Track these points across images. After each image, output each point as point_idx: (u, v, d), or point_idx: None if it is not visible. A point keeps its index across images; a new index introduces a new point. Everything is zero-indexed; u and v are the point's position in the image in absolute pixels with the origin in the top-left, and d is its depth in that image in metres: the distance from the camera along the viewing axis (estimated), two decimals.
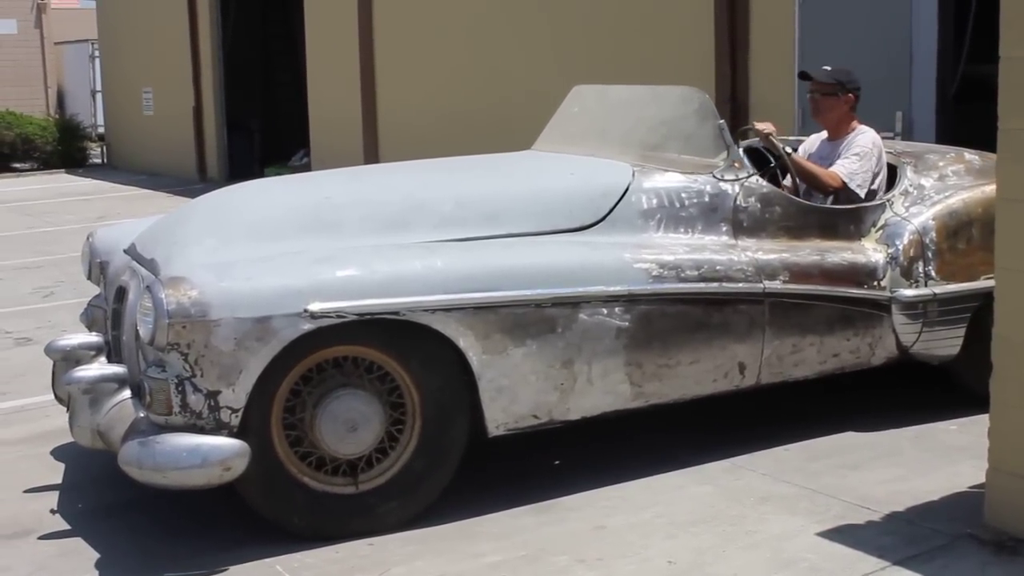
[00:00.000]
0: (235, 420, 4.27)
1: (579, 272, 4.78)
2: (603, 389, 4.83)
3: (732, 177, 5.31)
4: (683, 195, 5.22)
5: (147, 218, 5.76)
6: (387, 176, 6.12)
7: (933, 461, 5.07)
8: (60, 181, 21.22)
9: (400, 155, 13.80)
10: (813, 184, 5.76)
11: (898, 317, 5.40)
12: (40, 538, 4.66)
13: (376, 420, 4.49)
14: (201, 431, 4.23)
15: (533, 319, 4.64)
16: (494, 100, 12.26)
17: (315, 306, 4.30)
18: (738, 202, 5.28)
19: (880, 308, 5.37)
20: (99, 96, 29.18)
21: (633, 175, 5.23)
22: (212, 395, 4.23)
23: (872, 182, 5.78)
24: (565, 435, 5.12)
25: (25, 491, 5.18)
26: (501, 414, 4.66)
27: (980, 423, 5.37)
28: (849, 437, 5.38)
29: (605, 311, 4.77)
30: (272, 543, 4.46)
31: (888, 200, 5.66)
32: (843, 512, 4.52)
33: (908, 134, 8.42)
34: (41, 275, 10.85)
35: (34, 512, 4.92)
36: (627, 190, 5.17)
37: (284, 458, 4.43)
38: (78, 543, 4.59)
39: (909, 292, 5.40)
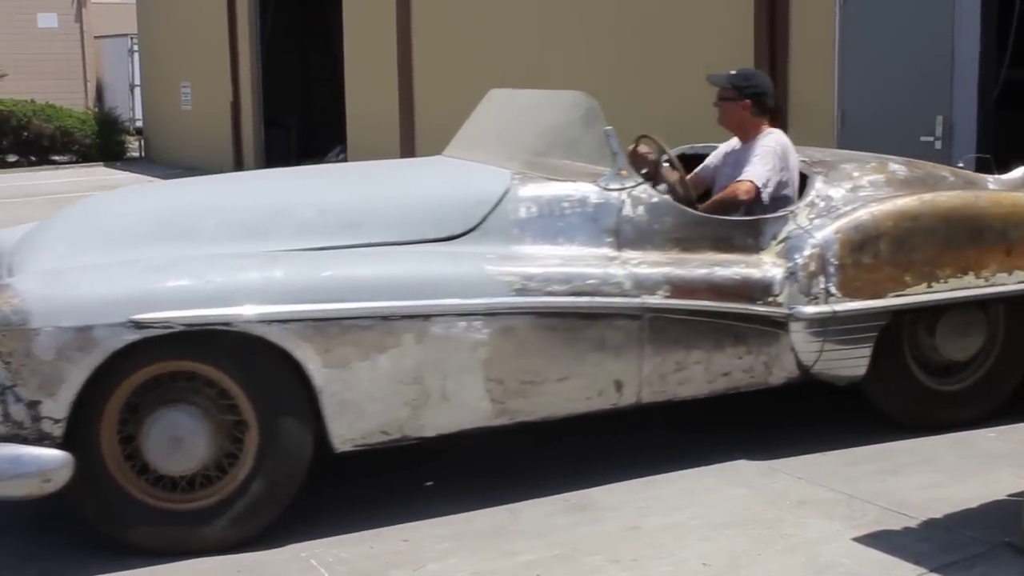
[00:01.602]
0: (58, 431, 4.13)
1: (432, 284, 4.55)
2: (460, 405, 4.62)
3: (617, 186, 5.05)
4: (563, 204, 4.98)
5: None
6: (257, 182, 5.98)
7: (972, 468, 5.03)
8: (98, 174, 21.36)
9: (437, 152, 13.85)
10: (730, 208, 5.43)
11: (796, 335, 5.09)
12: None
13: (203, 437, 4.34)
14: (24, 441, 4.10)
15: (380, 333, 4.43)
16: None
17: (140, 316, 4.17)
18: (623, 212, 5.01)
19: (776, 325, 5.06)
20: (137, 90, 29.40)
21: (511, 183, 5.01)
22: (33, 405, 4.10)
23: (781, 188, 5.51)
24: (596, 434, 5.12)
25: None
26: (347, 430, 4.47)
27: (1020, 431, 5.35)
28: (887, 442, 5.33)
29: (461, 325, 4.53)
30: (307, 536, 4.50)
31: (792, 212, 5.33)
32: (880, 517, 4.49)
33: (948, 139, 8.35)
34: None
35: None
36: (502, 199, 4.94)
37: (116, 472, 4.31)
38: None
39: (808, 309, 5.07)
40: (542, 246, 4.88)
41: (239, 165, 19.66)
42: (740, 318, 5.01)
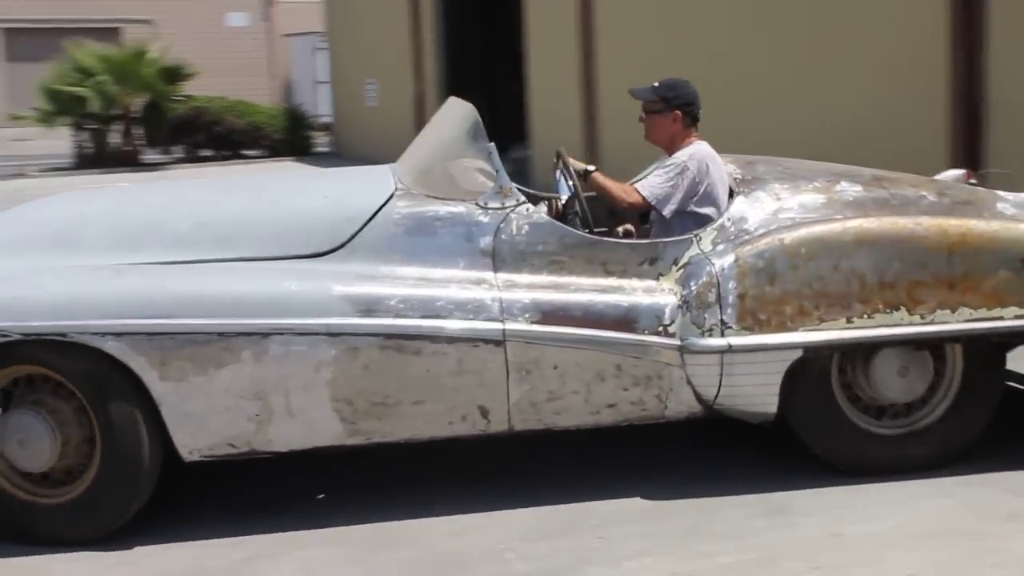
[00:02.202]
0: None
1: (273, 303, 4.51)
2: (308, 423, 4.57)
3: (497, 205, 4.83)
4: (437, 223, 4.81)
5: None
6: (156, 193, 6.07)
7: None
8: (288, 168, 21.94)
9: (620, 150, 13.77)
10: (611, 200, 5.25)
11: (692, 368, 4.70)
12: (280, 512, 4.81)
13: (47, 439, 4.48)
14: None
15: (217, 348, 4.45)
16: (717, 98, 12.10)
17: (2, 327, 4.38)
18: (501, 233, 4.79)
19: (668, 357, 4.70)
20: (321, 87, 30.09)
21: (388, 200, 4.87)
22: None
23: (694, 206, 5.17)
24: (792, 436, 5.03)
25: None
26: (191, 440, 4.53)
27: None
28: None
29: (302, 344, 4.48)
30: (503, 530, 4.55)
31: (696, 235, 4.95)
32: None
33: None
34: None
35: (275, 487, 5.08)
36: (373, 216, 4.82)
37: None
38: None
39: (701, 342, 4.67)
40: (411, 266, 4.73)
41: None
42: (623, 348, 4.68)
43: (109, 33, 31.43)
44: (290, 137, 24.39)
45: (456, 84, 19.94)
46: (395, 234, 4.79)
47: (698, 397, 4.77)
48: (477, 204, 4.84)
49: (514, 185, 4.90)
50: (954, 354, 4.95)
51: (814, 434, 4.92)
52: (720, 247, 4.85)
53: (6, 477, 4.60)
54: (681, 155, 5.26)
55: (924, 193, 5.24)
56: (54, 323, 4.40)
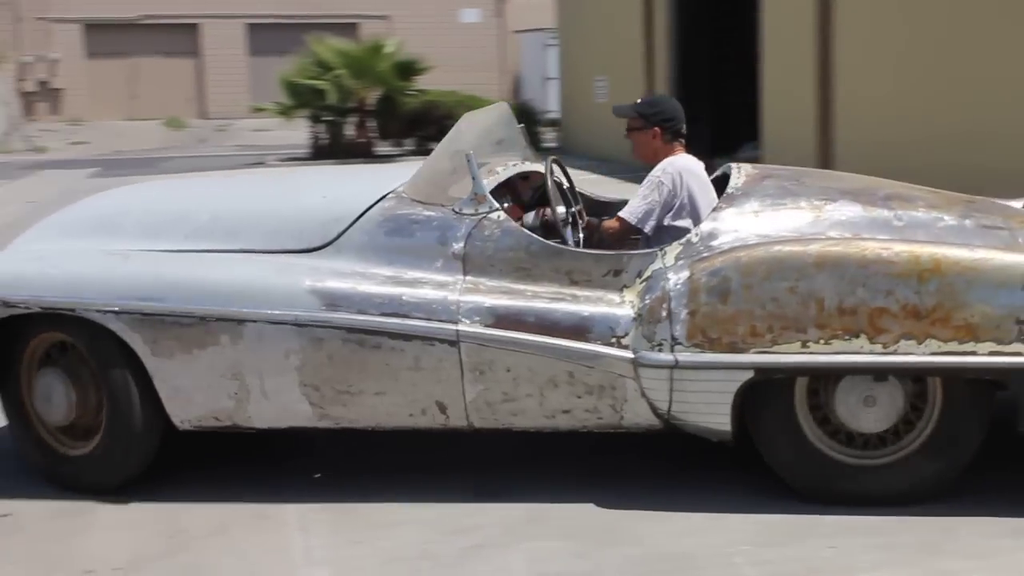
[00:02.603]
0: None
1: (249, 293, 4.86)
2: (281, 405, 4.92)
3: (471, 211, 4.96)
4: (414, 226, 4.99)
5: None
6: (192, 187, 6.86)
7: None
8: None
9: (856, 152, 13.43)
10: (612, 243, 5.36)
11: (645, 382, 4.64)
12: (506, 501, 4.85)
13: (64, 397, 5.07)
14: None
15: (199, 331, 4.87)
16: (969, 106, 11.64)
17: (7, 297, 5.01)
18: (473, 239, 4.92)
19: (621, 368, 4.66)
20: (550, 83, 30.30)
21: (377, 202, 5.09)
22: None
23: (671, 219, 5.26)
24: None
25: None
26: (181, 411, 4.99)
27: None
28: None
29: (272, 332, 4.81)
30: (732, 533, 4.48)
31: (662, 249, 4.88)
32: None
33: None
34: None
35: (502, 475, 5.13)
36: (359, 217, 5.05)
37: (36, 421, 5.21)
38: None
39: (650, 355, 4.61)
40: (387, 265, 4.92)
41: None
42: (574, 356, 4.70)
43: (347, 28, 32.39)
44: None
45: (687, 81, 19.81)
46: (377, 234, 5.01)
47: (653, 410, 4.73)
48: (453, 210, 5.00)
49: (488, 193, 5.02)
50: (935, 388, 4.64)
51: (777, 457, 4.77)
52: (680, 262, 4.77)
53: (45, 429, 5.20)
54: (656, 171, 5.37)
55: (942, 215, 4.92)
56: (65, 299, 4.98)
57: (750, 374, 4.57)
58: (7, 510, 4.98)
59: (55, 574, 4.37)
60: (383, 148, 24.67)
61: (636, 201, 5.34)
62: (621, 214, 5.36)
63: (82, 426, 5.14)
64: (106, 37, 36.90)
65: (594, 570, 4.26)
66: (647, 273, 4.81)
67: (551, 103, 28.90)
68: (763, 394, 4.67)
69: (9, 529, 4.81)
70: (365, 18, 36.24)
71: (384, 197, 5.11)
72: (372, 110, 24.39)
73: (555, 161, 5.70)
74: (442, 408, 4.85)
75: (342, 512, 4.84)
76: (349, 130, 24.55)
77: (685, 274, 4.67)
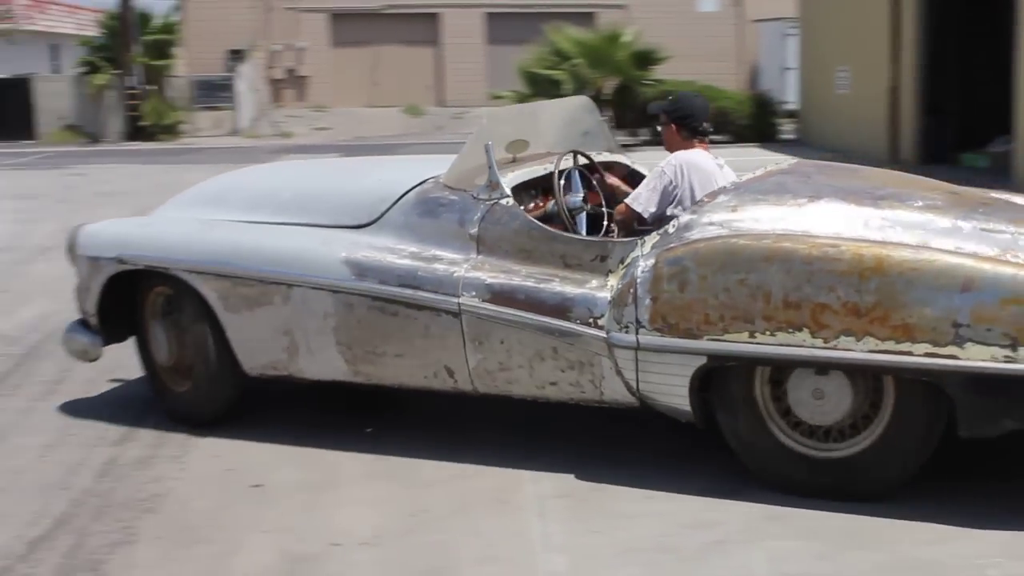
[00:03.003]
0: (94, 321, 6.19)
1: (296, 261, 5.58)
2: (322, 360, 5.60)
3: (485, 197, 5.41)
4: (441, 209, 5.50)
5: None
6: (286, 170, 7.57)
7: None
8: (753, 154, 21.80)
9: None
10: (620, 227, 5.73)
11: (616, 361, 4.97)
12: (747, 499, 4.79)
13: (164, 342, 6.01)
14: (86, 324, 6.26)
15: (259, 292, 5.65)
16: None
17: (122, 255, 6.00)
18: (485, 221, 5.38)
19: (596, 347, 4.99)
20: (789, 73, 29.72)
21: (416, 186, 5.62)
22: (82, 300, 6.24)
23: (669, 208, 5.48)
24: None
25: None
26: (247, 360, 5.79)
27: None
28: None
29: (314, 297, 5.51)
30: (981, 544, 4.30)
31: (642, 238, 5.11)
32: None
33: None
34: None
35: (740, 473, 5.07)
36: (399, 199, 5.61)
37: (153, 361, 6.11)
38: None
39: (617, 336, 4.92)
40: (416, 242, 5.47)
41: (894, 152, 19.24)
42: (556, 333, 5.07)
43: (585, 18, 32.47)
44: (756, 124, 24.26)
45: (934, 74, 19.13)
46: (411, 215, 5.55)
47: (627, 388, 5.01)
48: (472, 195, 5.46)
49: (502, 180, 5.43)
50: (889, 387, 4.65)
51: (737, 443, 4.94)
52: (653, 251, 4.98)
53: (159, 368, 6.11)
54: (662, 162, 5.63)
55: (937, 217, 4.80)
56: (161, 260, 5.89)
57: (703, 360, 4.78)
58: (259, 481, 5.19)
59: (303, 544, 4.52)
60: (620, 138, 24.65)
61: (641, 189, 5.64)
62: (626, 200, 5.67)
63: (181, 367, 5.98)
64: (350, 26, 37.96)
65: (837, 574, 4.16)
66: (628, 260, 5.09)
67: (789, 94, 28.34)
68: (725, 380, 4.85)
69: (261, 499, 5.00)
70: (603, 7, 36.21)
71: (423, 182, 5.65)
72: (608, 100, 24.40)
73: (579, 152, 6.07)
74: (450, 372, 5.36)
75: (579, 500, 4.86)
76: None
77: (652, 262, 4.91)
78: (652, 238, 5.08)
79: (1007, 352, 4.29)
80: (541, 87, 24.13)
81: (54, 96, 31.36)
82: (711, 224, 4.93)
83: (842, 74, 21.78)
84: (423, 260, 5.39)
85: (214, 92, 32.55)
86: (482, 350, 5.24)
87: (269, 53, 37.44)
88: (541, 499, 4.87)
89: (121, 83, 30.32)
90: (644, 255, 4.98)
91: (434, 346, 5.34)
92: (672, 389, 4.91)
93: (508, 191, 5.45)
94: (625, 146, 23.53)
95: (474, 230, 5.40)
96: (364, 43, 38.22)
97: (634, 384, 4.98)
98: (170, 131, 30.23)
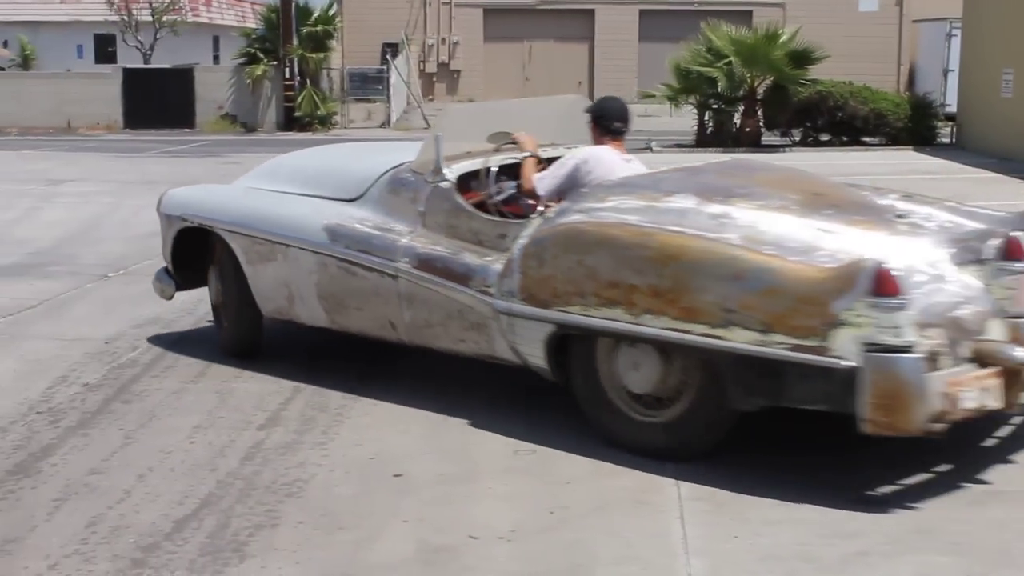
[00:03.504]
0: (170, 268, 7.68)
1: (292, 226, 6.72)
2: (310, 309, 6.76)
3: (432, 180, 6.32)
4: (403, 187, 6.49)
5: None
6: (333, 149, 9.07)
7: None
8: (907, 158, 21.32)
9: None
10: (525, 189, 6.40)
11: (501, 324, 5.77)
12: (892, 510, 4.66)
13: (214, 285, 7.43)
14: (168, 273, 7.72)
15: (267, 248, 6.84)
16: None
17: (184, 214, 7.39)
18: (428, 200, 6.33)
19: (486, 311, 5.83)
20: (950, 75, 28.91)
21: (393, 168, 6.61)
22: (163, 250, 7.70)
23: (564, 189, 6.15)
24: None
25: None
26: (263, 303, 7.02)
27: None
28: None
29: (302, 256, 6.64)
30: None
31: (531, 219, 5.93)
32: None
33: None
34: None
35: (887, 483, 4.93)
36: (378, 178, 6.63)
37: (213, 301, 7.56)
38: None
39: (496, 302, 5.75)
40: (383, 215, 6.48)
41: None
42: (459, 297, 5.96)
43: (741, 16, 32.09)
44: (913, 126, 23.63)
45: None
46: (384, 192, 6.57)
47: (510, 348, 5.79)
48: (424, 178, 6.38)
49: (444, 166, 6.29)
50: (695, 362, 5.19)
51: (583, 404, 5.61)
52: (533, 231, 5.73)
53: (214, 308, 7.49)
54: (569, 153, 6.44)
55: (780, 217, 5.26)
56: (207, 219, 7.22)
57: (553, 327, 5.53)
58: (399, 470, 5.23)
59: (443, 535, 4.54)
60: (769, 138, 24.31)
61: (547, 173, 6.31)
62: (534, 177, 6.32)
63: (222, 308, 7.33)
64: (504, 21, 38.15)
65: None
66: (520, 238, 5.77)
67: (950, 96, 27.56)
68: (576, 347, 5.55)
69: (401, 489, 5.04)
70: (760, 5, 35.76)
71: (399, 165, 6.59)
72: (761, 99, 24.07)
73: (512, 141, 6.69)
74: (392, 326, 6.36)
75: (719, 504, 4.79)
76: (736, 118, 24.34)
77: (525, 241, 5.69)
78: (537, 220, 5.84)
79: (760, 336, 4.81)
80: (693, 85, 23.94)
81: (213, 86, 32.16)
82: (578, 211, 5.63)
83: (1007, 77, 21.10)
84: (380, 230, 6.39)
85: (367, 84, 33.00)
86: (412, 308, 6.20)
87: (423, 47, 37.87)
88: (682, 502, 4.81)
89: (278, 74, 30.96)
90: (527, 234, 5.74)
91: (380, 302, 6.34)
92: (535, 351, 5.67)
93: (448, 176, 6.31)
94: (773, 147, 23.25)
95: (421, 208, 6.35)
96: (517, 38, 38.40)
97: (513, 345, 5.76)
98: (323, 122, 30.74)
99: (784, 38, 23.71)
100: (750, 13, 34.35)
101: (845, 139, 23.84)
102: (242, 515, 4.75)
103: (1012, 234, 5.29)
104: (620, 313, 5.21)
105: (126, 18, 41.75)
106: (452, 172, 6.33)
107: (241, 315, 7.11)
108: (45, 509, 4.83)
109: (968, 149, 22.15)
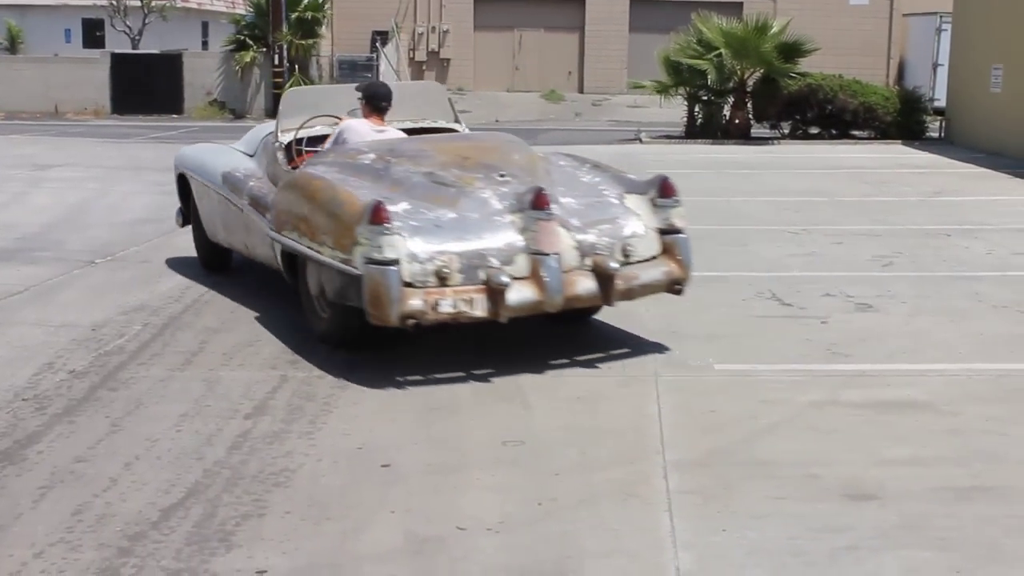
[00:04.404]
0: (182, 206, 10.17)
1: (213, 173, 9.04)
2: (231, 236, 8.84)
3: (274, 140, 8.41)
4: (267, 146, 8.57)
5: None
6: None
7: None
8: (896, 152, 21.34)
9: None
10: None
11: (271, 242, 7.69)
12: (880, 505, 4.65)
13: (194, 218, 9.72)
14: (180, 210, 10.17)
15: (204, 190, 9.20)
16: None
17: (178, 165, 10.01)
18: (274, 156, 8.33)
19: (267, 232, 7.79)
20: (939, 69, 28.93)
21: (268, 133, 8.72)
22: (178, 193, 10.24)
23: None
24: None
25: (870, 456, 5.22)
26: (210, 232, 9.30)
27: None
28: None
29: (215, 195, 8.94)
30: None
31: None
32: None
33: None
34: (880, 244, 10.92)
35: (876, 478, 4.93)
36: (262, 139, 8.77)
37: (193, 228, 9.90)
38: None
39: (269, 227, 7.71)
40: (257, 166, 8.64)
41: None
42: (259, 221, 8.03)
43: (732, 8, 32.08)
44: (902, 120, 23.64)
45: None
46: (260, 150, 8.75)
47: (278, 261, 7.68)
48: (275, 141, 8.41)
49: (280, 133, 8.42)
50: None
51: (303, 304, 7.39)
52: (286, 178, 7.88)
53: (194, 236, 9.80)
54: (339, 126, 8.26)
55: (423, 169, 7.17)
56: (187, 170, 9.66)
57: (280, 246, 7.47)
58: (387, 460, 5.21)
59: (431, 526, 4.52)
60: (759, 130, 24.31)
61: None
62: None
63: (195, 232, 9.68)
64: (494, 10, 38.06)
65: None
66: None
67: (939, 91, 27.57)
68: (295, 260, 7.37)
69: (389, 479, 5.02)
70: None
71: (271, 132, 8.54)
72: (751, 91, 24.05)
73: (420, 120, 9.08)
74: (247, 247, 8.46)
75: (708, 497, 4.78)
76: (725, 110, 24.32)
77: (280, 184, 7.90)
78: (293, 171, 7.87)
79: (331, 251, 6.68)
80: (683, 76, 23.91)
81: (202, 72, 32.09)
82: (308, 165, 7.75)
83: (996, 72, 21.11)
84: (245, 177, 8.54)
85: (357, 72, 32.90)
86: (250, 232, 8.28)
87: (413, 35, 37.76)
88: (670, 496, 4.80)
89: (267, 61, 30.85)
90: (282, 180, 7.88)
91: (240, 228, 8.49)
92: (280, 263, 7.57)
93: (281, 139, 8.35)
94: (763, 139, 23.23)
95: (266, 161, 8.47)
96: (507, 27, 38.32)
97: (275, 258, 7.67)
98: None
99: (775, 30, 23.69)
100: (740, 5, 34.34)
101: (834, 132, 23.85)
102: (229, 504, 4.73)
103: (540, 189, 6.67)
104: (297, 236, 7.10)
105: (115, 3, 41.61)
106: (284, 137, 8.40)
107: (201, 239, 9.56)
108: (31, 497, 4.80)
109: (957, 144, 22.17)
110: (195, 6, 49.19)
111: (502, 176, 7.02)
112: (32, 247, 10.79)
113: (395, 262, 6.23)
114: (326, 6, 33.75)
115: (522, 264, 6.43)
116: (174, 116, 30.73)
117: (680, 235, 6.93)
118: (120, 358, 6.90)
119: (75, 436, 5.55)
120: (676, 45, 24.31)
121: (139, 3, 41.89)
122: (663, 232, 6.92)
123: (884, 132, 23.57)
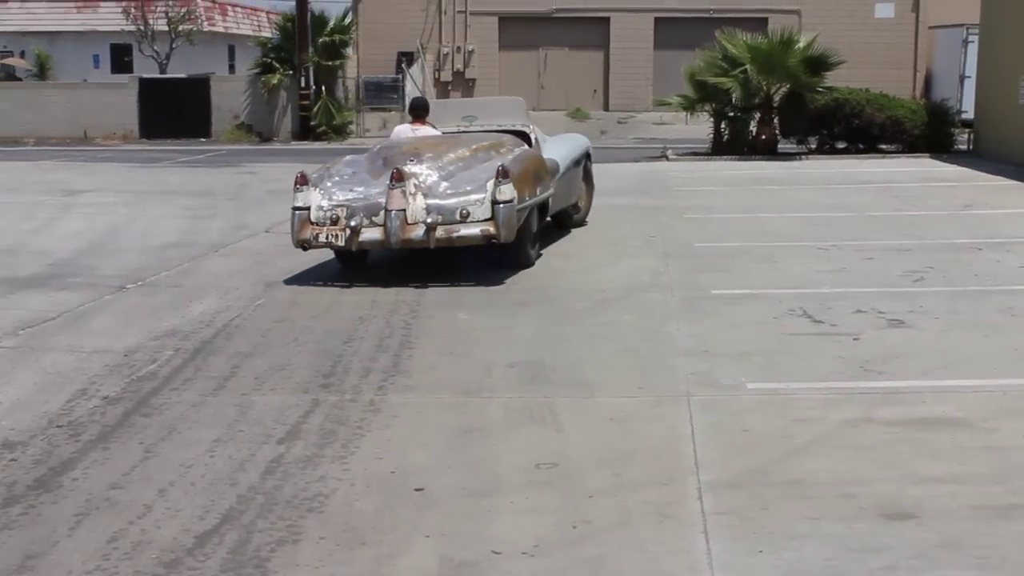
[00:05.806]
0: None
1: None
2: None
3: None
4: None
5: None
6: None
7: None
8: (924, 165, 21.21)
9: None
10: None
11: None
12: (918, 524, 4.61)
13: None
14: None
15: None
16: None
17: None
18: None
19: None
20: (967, 81, 28.78)
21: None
22: None
23: None
24: None
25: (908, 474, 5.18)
26: None
27: None
28: None
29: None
30: None
31: None
32: None
33: None
34: (910, 258, 10.85)
35: (913, 497, 4.89)
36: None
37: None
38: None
39: None
40: None
41: None
42: None
43: (756, 23, 31.98)
44: (930, 133, 23.49)
45: None
46: None
47: None
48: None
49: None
50: None
51: None
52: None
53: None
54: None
55: (420, 157, 10.55)
56: None
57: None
58: (421, 484, 5.20)
59: (465, 550, 4.51)
60: (786, 146, 24.22)
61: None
62: None
63: None
64: (519, 29, 38.15)
65: None
66: None
67: (966, 103, 27.42)
68: None
69: (423, 503, 5.01)
70: (776, 12, 35.64)
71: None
72: (777, 107, 23.97)
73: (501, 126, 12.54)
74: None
75: (745, 518, 4.75)
76: (752, 126, 24.25)
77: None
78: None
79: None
80: (708, 93, 23.84)
81: (229, 96, 32.23)
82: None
83: None
84: None
85: (383, 93, 33.08)
86: None
87: (438, 55, 37.89)
88: (706, 517, 4.77)
89: (294, 83, 31.02)
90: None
91: None
92: None
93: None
94: (790, 155, 23.15)
95: None
96: (532, 46, 38.40)
97: None
98: (339, 131, 30.80)
99: (801, 45, 23.61)
100: (765, 20, 34.21)
101: (862, 146, 23.71)
102: (264, 530, 4.73)
103: (398, 166, 10.06)
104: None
105: (142, 28, 41.93)
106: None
107: None
108: (66, 524, 4.82)
109: (985, 156, 22.02)
110: (222, 30, 49.49)
111: (421, 162, 10.30)
112: (64, 273, 10.86)
113: (305, 209, 10.21)
114: (352, 28, 33.88)
115: (381, 217, 9.96)
116: (202, 140, 30.88)
117: (501, 206, 9.91)
118: (153, 383, 6.93)
119: (109, 463, 5.57)
120: (701, 62, 24.26)
121: (166, 28, 42.20)
122: (495, 203, 9.93)
123: (912, 145, 23.42)
